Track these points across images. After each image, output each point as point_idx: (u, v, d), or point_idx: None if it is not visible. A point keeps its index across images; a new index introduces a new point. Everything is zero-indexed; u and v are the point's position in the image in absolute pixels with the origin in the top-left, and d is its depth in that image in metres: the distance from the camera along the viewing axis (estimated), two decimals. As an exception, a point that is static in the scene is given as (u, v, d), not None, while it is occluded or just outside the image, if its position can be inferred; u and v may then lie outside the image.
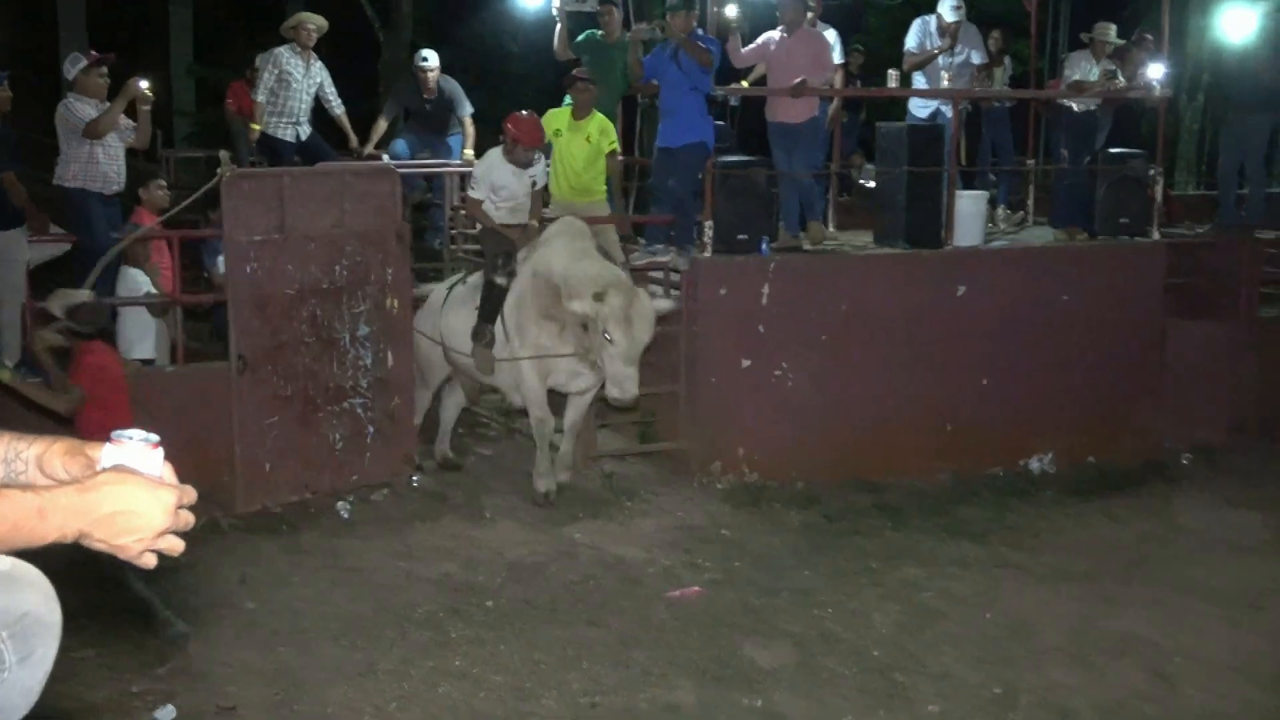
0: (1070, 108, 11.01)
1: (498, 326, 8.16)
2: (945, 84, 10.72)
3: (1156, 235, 10.36)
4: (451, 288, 8.68)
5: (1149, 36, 11.68)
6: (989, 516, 8.34)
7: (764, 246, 9.01)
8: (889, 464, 8.93)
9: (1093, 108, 11.03)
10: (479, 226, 8.59)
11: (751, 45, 10.18)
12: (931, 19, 10.96)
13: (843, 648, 6.32)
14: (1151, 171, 10.50)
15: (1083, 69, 10.87)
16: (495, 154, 8.41)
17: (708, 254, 8.92)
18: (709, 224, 8.93)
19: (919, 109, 11.01)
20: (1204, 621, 6.72)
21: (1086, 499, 8.79)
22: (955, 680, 5.98)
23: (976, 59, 11.21)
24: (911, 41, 11.03)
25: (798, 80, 9.46)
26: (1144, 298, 9.95)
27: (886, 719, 5.61)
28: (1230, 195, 11.69)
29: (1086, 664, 6.16)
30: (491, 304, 8.13)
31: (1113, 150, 10.70)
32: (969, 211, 9.75)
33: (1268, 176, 11.95)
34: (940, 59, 10.85)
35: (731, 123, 11.72)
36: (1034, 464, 9.34)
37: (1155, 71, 11.31)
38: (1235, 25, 13.34)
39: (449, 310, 8.51)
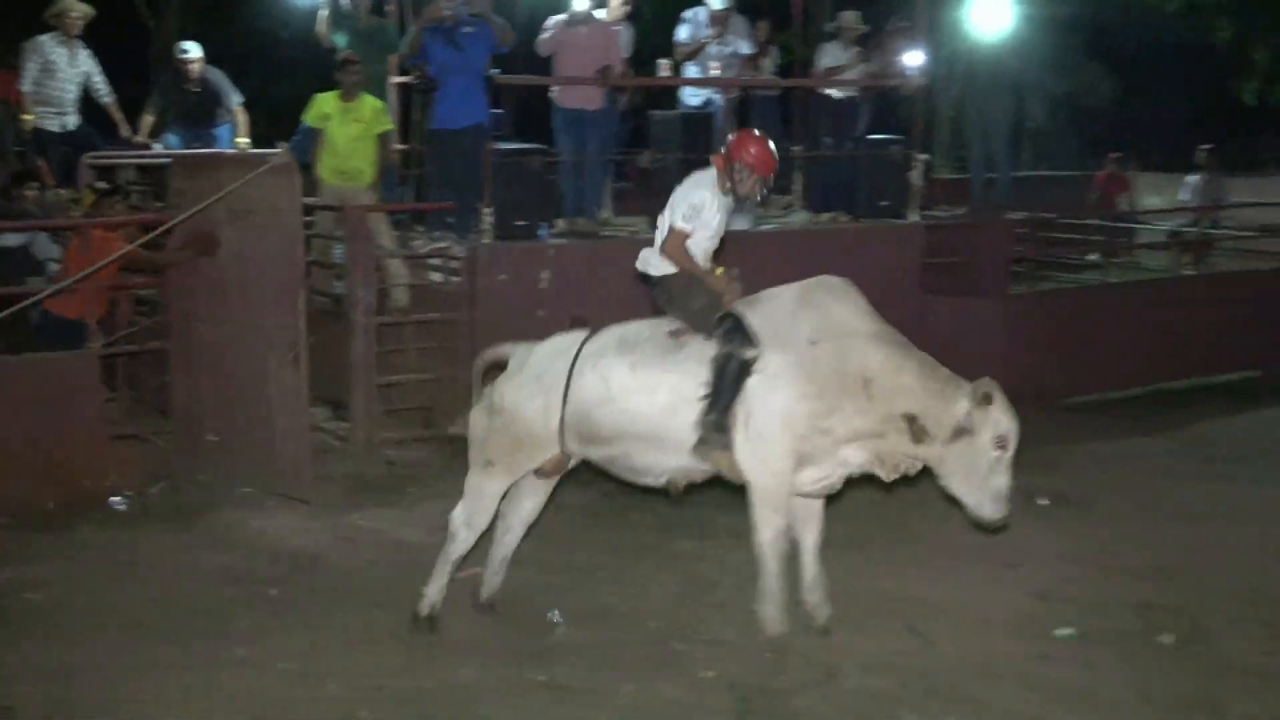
0: (831, 96, 11.48)
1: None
2: (715, 73, 11.06)
3: (915, 217, 10.89)
4: (578, 353, 6.40)
5: (905, 25, 12.24)
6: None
7: (543, 232, 9.18)
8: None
9: (852, 95, 11.51)
10: (662, 269, 6.55)
11: (545, 35, 10.36)
12: (701, 10, 11.30)
13: (622, 620, 6.52)
14: (910, 156, 11.02)
15: (834, 57, 11.36)
16: (709, 182, 6.52)
17: (487, 240, 9.04)
18: (488, 210, 9.05)
19: (690, 97, 11.33)
20: (963, 580, 7.12)
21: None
22: (729, 646, 6.21)
23: (745, 49, 11.59)
24: (682, 32, 11.34)
25: (602, 68, 9.67)
26: (904, 276, 10.44)
27: (664, 686, 5.78)
28: (980, 178, 12.37)
29: (852, 624, 6.44)
30: (731, 387, 6.11)
31: (872, 136, 11.20)
32: (738, 196, 10.07)
33: (1014, 161, 12.67)
34: (710, 49, 11.19)
35: (508, 108, 11.86)
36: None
37: (913, 59, 11.86)
38: (987, 17, 14.01)
39: (600, 372, 6.29)
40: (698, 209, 6.45)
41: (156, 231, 8.19)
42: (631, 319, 9.05)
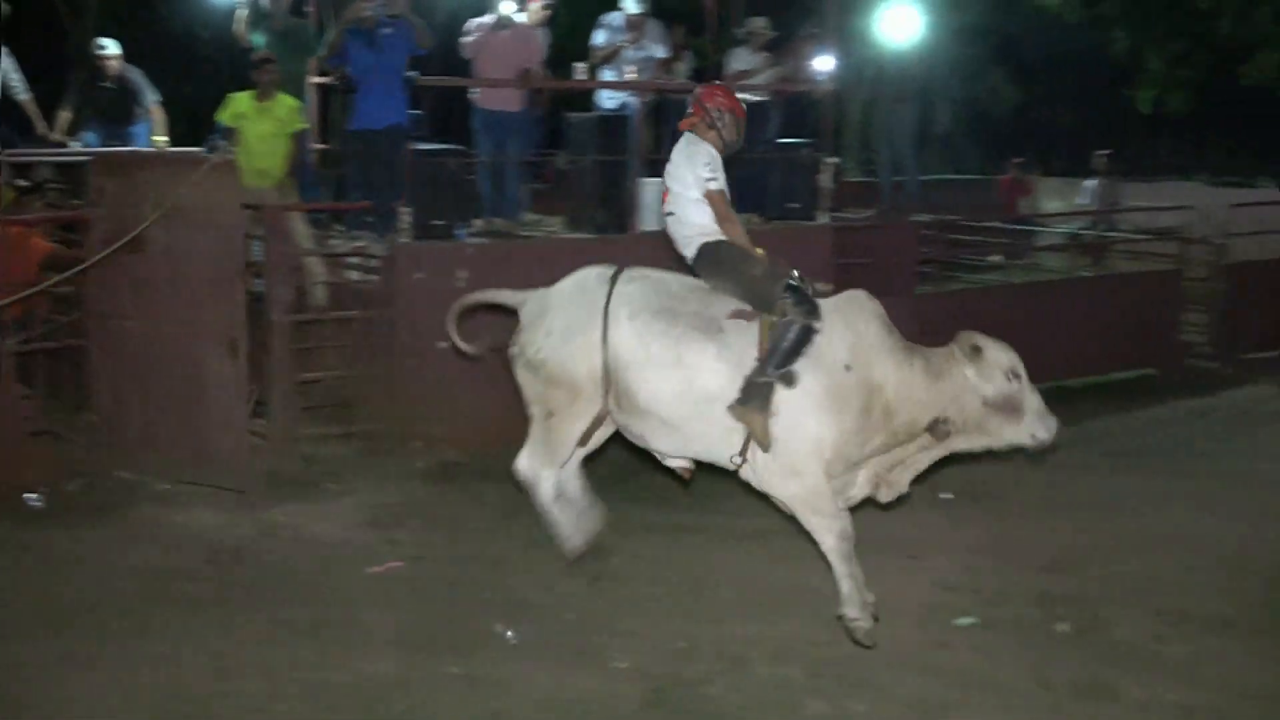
0: (741, 99, 11.67)
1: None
2: (631, 77, 11.22)
3: (824, 218, 11.11)
4: (610, 295, 6.29)
5: (814, 32, 12.49)
6: (672, 484, 8.80)
7: (461, 232, 9.27)
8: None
9: (763, 99, 11.71)
10: (705, 236, 6.46)
11: (469, 38, 10.44)
12: (617, 15, 11.45)
13: (537, 613, 6.62)
14: (819, 159, 11.25)
15: (744, 61, 11.57)
16: (700, 141, 6.58)
17: (406, 239, 9.11)
18: (406, 210, 9.13)
19: (606, 100, 11.48)
20: (868, 571, 7.22)
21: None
22: (641, 637, 6.35)
23: (660, 53, 11.76)
24: (599, 37, 11.49)
25: (523, 70, 9.78)
26: (813, 276, 10.60)
27: (579, 677, 5.91)
28: (888, 181, 12.64)
29: (760, 615, 6.63)
30: (791, 351, 6.06)
31: (783, 139, 11.42)
32: (653, 198, 10.23)
33: (920, 164, 12.96)
34: (626, 53, 11.34)
35: (427, 109, 11.93)
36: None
37: (823, 64, 12.10)
38: (895, 24, 14.30)
39: (637, 329, 6.21)
40: (716, 163, 6.47)
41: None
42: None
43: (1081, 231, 16.42)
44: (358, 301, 9.04)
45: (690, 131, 6.62)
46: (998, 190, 18.87)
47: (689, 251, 6.48)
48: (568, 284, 6.51)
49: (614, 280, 6.30)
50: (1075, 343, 12.21)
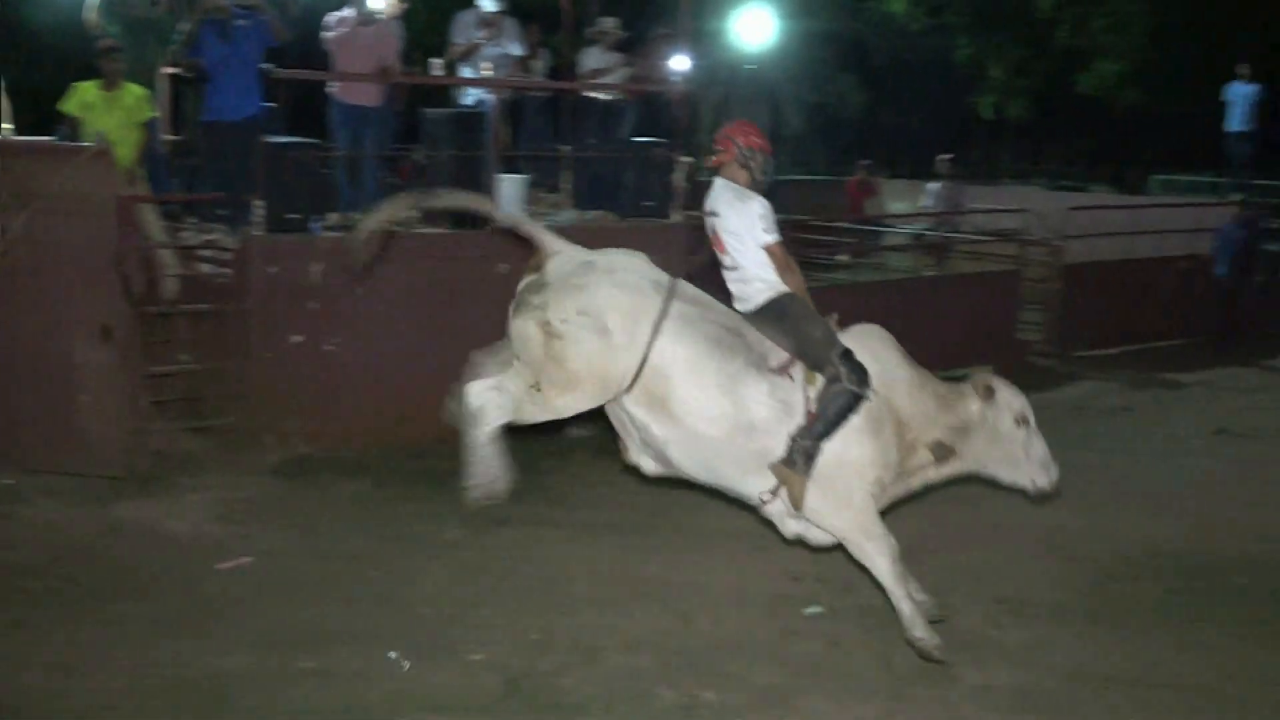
0: (596, 98, 11.79)
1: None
2: (488, 74, 11.24)
3: (678, 217, 11.25)
4: (665, 311, 5.85)
5: (667, 33, 12.65)
6: (528, 479, 8.87)
7: (315, 226, 9.21)
8: (436, 432, 9.32)
9: (617, 98, 11.83)
10: (770, 291, 6.20)
11: (330, 33, 10.36)
12: (474, 12, 11.47)
13: (393, 607, 6.66)
14: (673, 158, 11.38)
15: (597, 60, 11.69)
16: (744, 189, 6.29)
17: (259, 232, 9.04)
18: (259, 203, 9.05)
19: (463, 96, 11.48)
20: (714, 563, 7.46)
21: (616, 459, 9.48)
22: (497, 629, 6.42)
23: (516, 51, 11.80)
24: (456, 33, 11.50)
25: (381, 65, 9.74)
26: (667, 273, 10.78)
27: (434, 670, 5.95)
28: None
29: (613, 607, 6.75)
30: (837, 418, 5.95)
31: (638, 138, 11.54)
32: (510, 194, 10.27)
33: (770, 166, 13.17)
34: (483, 49, 11.37)
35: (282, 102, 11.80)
36: (571, 429, 9.98)
37: (680, 64, 12.27)
38: (749, 27, 14.56)
39: (692, 351, 5.85)
40: (769, 214, 6.21)
41: None
42: (401, 311, 9.28)
43: (925, 232, 16.88)
44: (210, 294, 8.94)
45: (723, 175, 6.35)
46: (845, 191, 19.27)
47: (754, 303, 6.19)
48: (618, 276, 5.90)
49: (670, 294, 5.92)
50: (919, 340, 12.45)
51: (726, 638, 6.46)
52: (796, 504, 5.97)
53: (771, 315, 6.14)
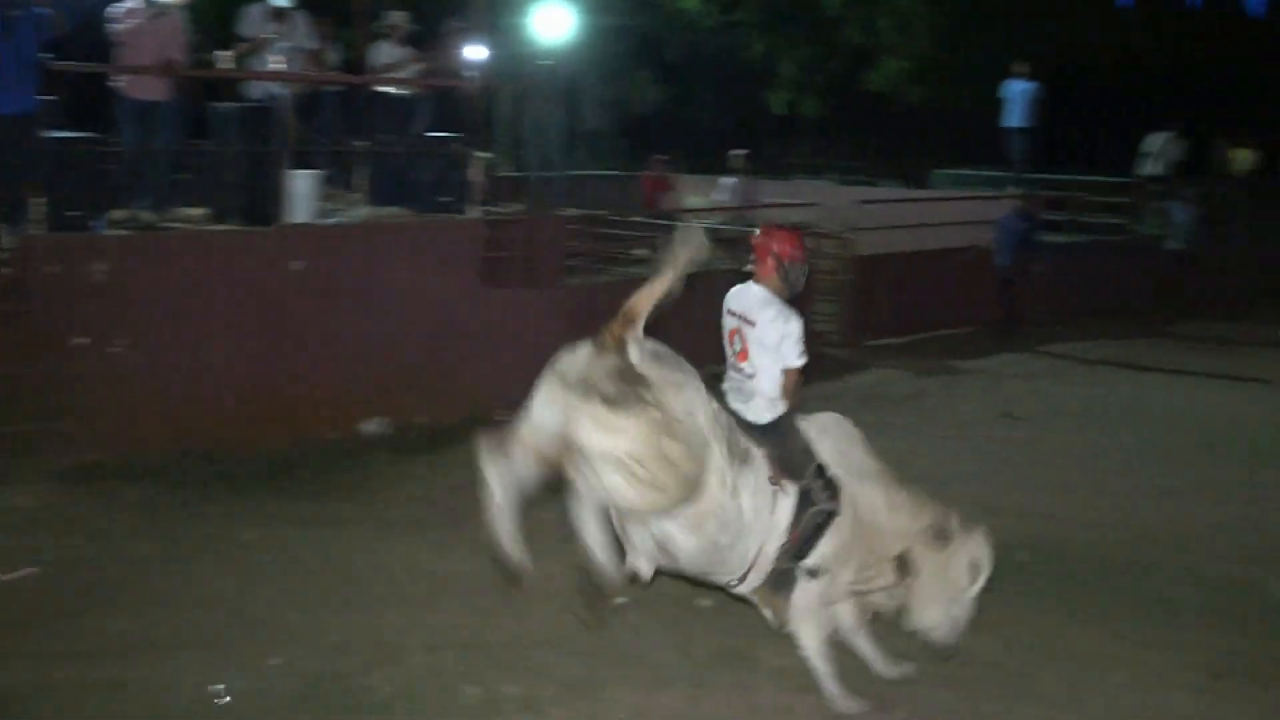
0: (390, 93, 11.67)
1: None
2: (279, 67, 11.02)
3: (475, 212, 11.23)
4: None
5: (461, 26, 12.58)
6: (326, 478, 8.81)
7: (98, 224, 8.92)
8: (229, 434, 9.15)
9: (411, 93, 11.73)
10: (776, 411, 6.08)
11: (117, 25, 10.02)
12: (263, 5, 11.22)
13: (188, 613, 6.50)
14: (469, 153, 11.35)
15: (387, 54, 11.58)
16: (781, 303, 6.18)
17: (39, 231, 8.71)
18: (39, 200, 8.72)
19: (253, 90, 11.24)
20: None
21: (416, 456, 9.46)
22: (294, 632, 6.31)
23: (308, 44, 11.59)
24: (245, 27, 11.24)
25: (168, 58, 9.46)
26: (465, 269, 10.76)
27: (230, 676, 5.81)
28: (536, 176, 12.87)
29: (415, 605, 6.71)
30: (812, 537, 5.83)
31: (433, 134, 11.47)
32: (302, 189, 10.11)
33: (567, 160, 13.26)
34: (274, 44, 11.13)
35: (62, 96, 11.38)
36: (368, 427, 9.90)
37: (477, 53, 12.22)
38: (546, 22, 14.56)
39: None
40: (802, 338, 6.08)
41: None
42: (190, 310, 9.04)
43: (720, 226, 17.11)
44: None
45: (761, 284, 6.23)
46: (641, 186, 19.44)
47: (758, 415, 6.05)
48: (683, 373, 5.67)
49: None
50: (718, 334, 12.74)
51: (530, 632, 6.47)
52: (779, 623, 5.92)
53: (776, 432, 5.99)
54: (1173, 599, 7.16)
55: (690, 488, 5.32)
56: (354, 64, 13.60)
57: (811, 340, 12.86)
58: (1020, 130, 19.26)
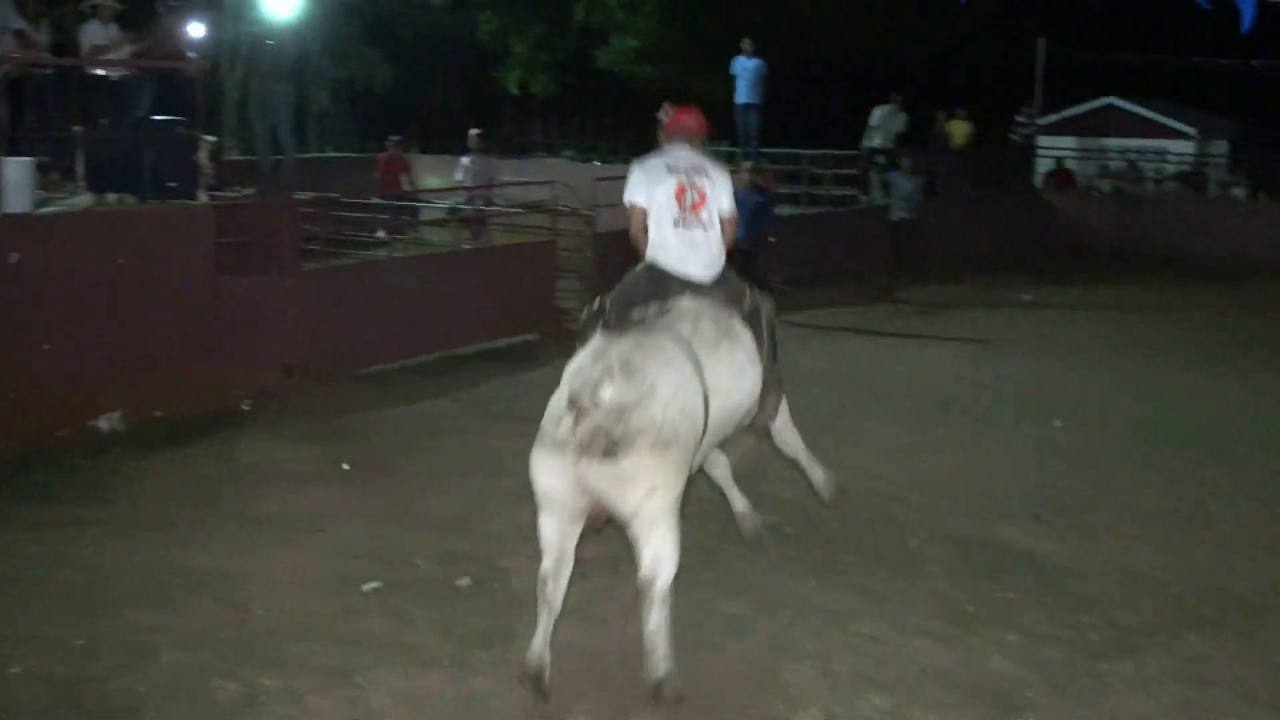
0: (106, 75, 11.18)
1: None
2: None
3: (204, 198, 10.87)
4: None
5: (178, 6, 12.15)
6: (61, 478, 8.42)
7: None
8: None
9: (129, 75, 11.27)
10: None
11: None
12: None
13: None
14: (195, 137, 10.98)
15: (95, 35, 11.14)
16: (692, 150, 6.76)
17: None
18: None
19: (-45, 72, 10.62)
20: (273, 548, 7.29)
21: (157, 450, 9.14)
22: (38, 639, 6.05)
23: (15, 24, 11.04)
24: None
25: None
26: (196, 257, 10.43)
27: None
28: (267, 160, 12.55)
29: (165, 603, 6.47)
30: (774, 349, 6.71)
31: (156, 117, 11.05)
32: (17, 179, 9.61)
33: (299, 142, 12.99)
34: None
35: None
36: (103, 423, 9.51)
37: (196, 31, 11.81)
38: (273, 1, 14.19)
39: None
40: None
41: None
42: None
43: (460, 206, 17.05)
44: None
45: (693, 146, 6.77)
46: (378, 168, 19.20)
47: (715, 265, 6.52)
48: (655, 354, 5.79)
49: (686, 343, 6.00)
50: (461, 313, 12.74)
51: (286, 623, 6.33)
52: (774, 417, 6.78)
53: (722, 279, 6.49)
54: (917, 554, 7.46)
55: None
56: (62, 45, 13.01)
57: (558, 318, 13.08)
58: (750, 106, 19.76)
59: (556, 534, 5.56)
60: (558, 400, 5.47)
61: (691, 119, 6.79)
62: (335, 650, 6.03)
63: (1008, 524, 7.90)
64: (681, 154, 6.63)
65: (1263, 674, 5.93)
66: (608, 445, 5.23)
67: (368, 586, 6.79)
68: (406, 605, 6.57)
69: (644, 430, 5.26)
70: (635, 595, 5.56)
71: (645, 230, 6.53)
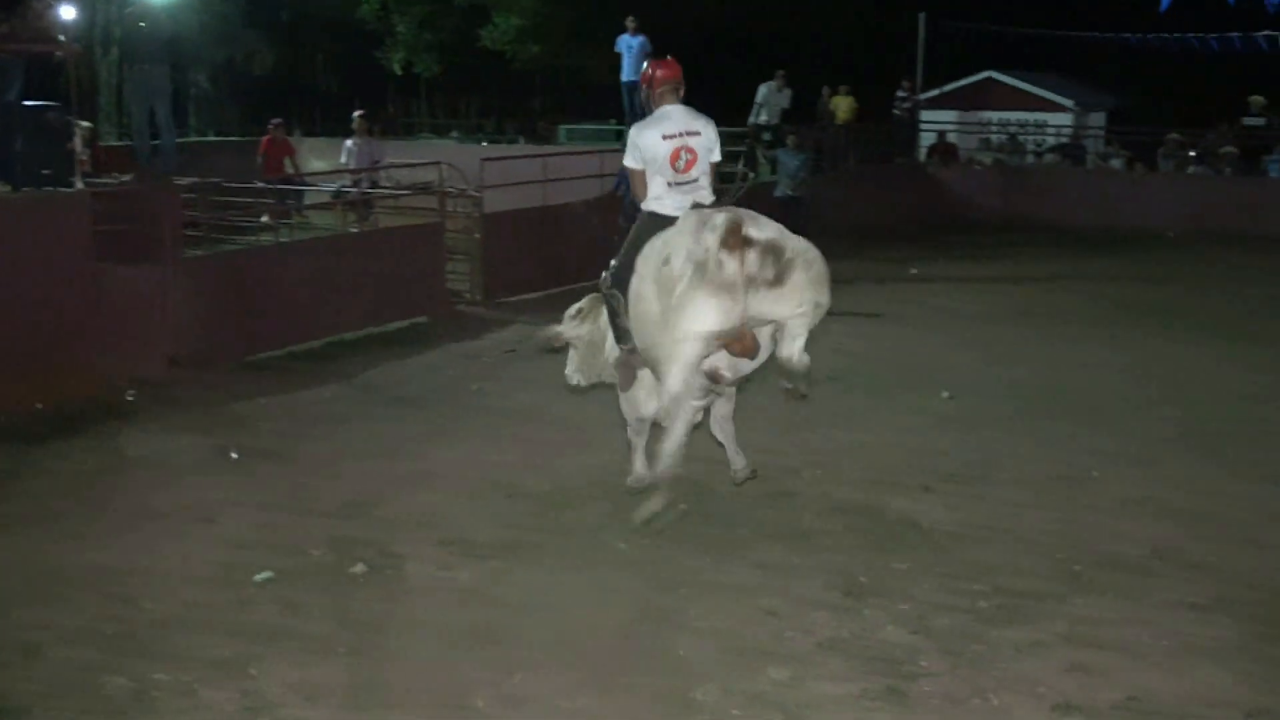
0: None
1: None
2: None
3: (80, 185, 10.62)
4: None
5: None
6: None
7: None
8: None
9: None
10: None
11: None
12: None
13: None
14: (70, 123, 10.70)
15: None
16: (682, 107, 7.35)
17: None
18: None
19: None
20: (157, 541, 7.15)
21: (39, 444, 8.92)
22: (-85, 642, 5.87)
23: None
24: None
25: None
26: (73, 245, 10.20)
27: None
28: (145, 145, 12.28)
29: (52, 599, 6.35)
30: None
31: (28, 102, 10.75)
32: None
33: (178, 127, 12.73)
34: None
35: None
36: (-20, 422, 9.28)
37: (68, 14, 11.50)
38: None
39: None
40: None
41: None
42: None
43: (346, 189, 16.86)
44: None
45: (677, 101, 7.33)
46: (259, 151, 18.91)
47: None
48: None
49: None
50: (350, 297, 12.60)
51: (175, 616, 6.23)
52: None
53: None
54: (812, 527, 7.53)
55: None
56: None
57: (448, 299, 13.03)
58: (636, 84, 19.67)
59: (693, 366, 6.67)
60: (682, 258, 6.50)
61: (673, 70, 7.35)
62: (227, 642, 5.94)
63: (899, 495, 8.00)
64: (673, 113, 7.25)
65: (1149, 635, 6.07)
66: (776, 271, 6.51)
67: (260, 577, 6.68)
68: (300, 594, 6.49)
69: (798, 252, 6.62)
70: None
71: (644, 184, 7.27)
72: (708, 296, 6.41)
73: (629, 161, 7.32)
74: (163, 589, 6.53)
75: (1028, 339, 13.07)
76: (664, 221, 7.03)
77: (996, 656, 5.85)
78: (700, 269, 6.40)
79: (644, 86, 7.45)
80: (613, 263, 7.33)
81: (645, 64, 7.55)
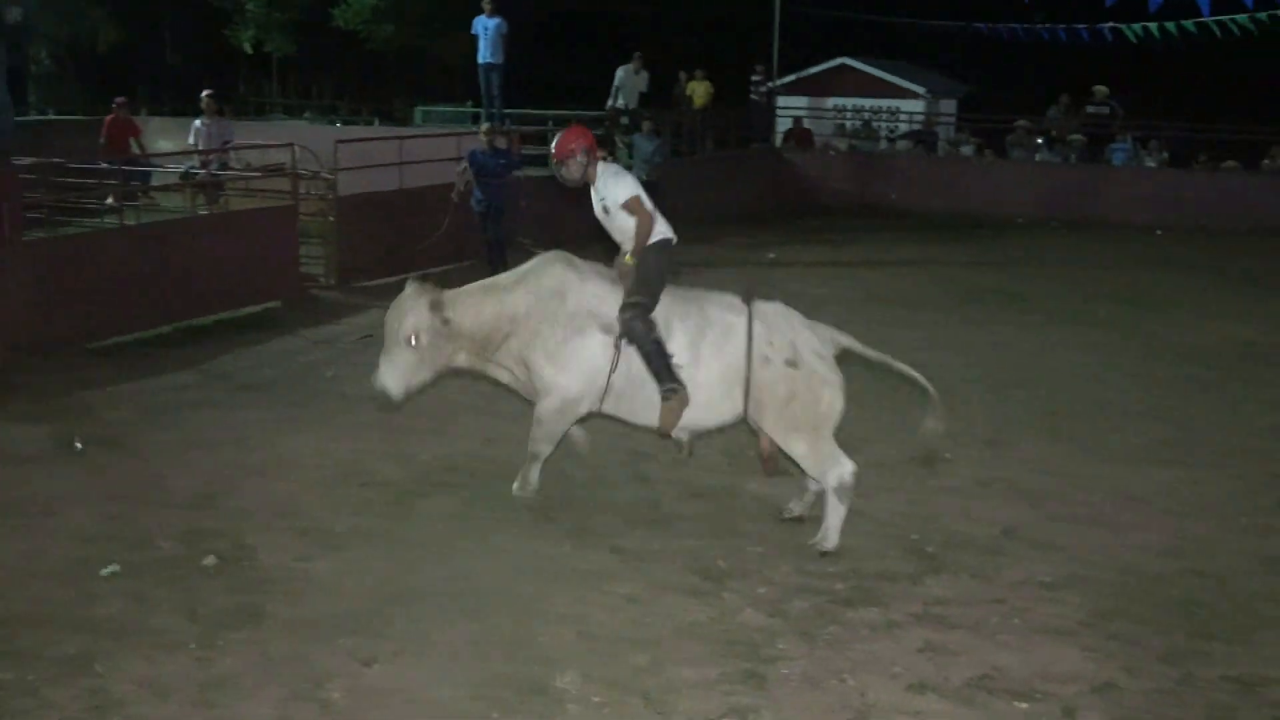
0: None
1: None
2: None
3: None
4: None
5: None
6: None
7: None
8: None
9: None
10: None
11: None
12: None
13: None
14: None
15: None
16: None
17: None
18: None
19: None
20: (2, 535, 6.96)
21: None
22: None
23: None
24: None
25: None
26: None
27: None
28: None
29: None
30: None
31: None
32: None
33: (15, 105, 12.32)
34: None
35: None
36: None
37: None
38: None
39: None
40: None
41: None
42: None
43: (194, 171, 16.47)
44: None
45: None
46: (103, 130, 18.39)
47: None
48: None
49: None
50: (200, 281, 12.32)
51: (18, 612, 6.05)
52: None
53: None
54: (669, 512, 7.57)
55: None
56: None
57: (301, 283, 12.81)
58: (493, 66, 19.60)
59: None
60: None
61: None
62: (73, 638, 5.78)
63: (756, 480, 8.07)
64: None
65: (1000, 614, 6.22)
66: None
67: (106, 570, 6.51)
68: (148, 588, 6.34)
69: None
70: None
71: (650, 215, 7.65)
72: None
73: (646, 200, 7.72)
74: (4, 585, 6.34)
75: (881, 322, 13.26)
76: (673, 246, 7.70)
77: (853, 638, 5.94)
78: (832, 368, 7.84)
79: (581, 153, 7.60)
80: (636, 299, 7.26)
81: (572, 137, 7.68)
